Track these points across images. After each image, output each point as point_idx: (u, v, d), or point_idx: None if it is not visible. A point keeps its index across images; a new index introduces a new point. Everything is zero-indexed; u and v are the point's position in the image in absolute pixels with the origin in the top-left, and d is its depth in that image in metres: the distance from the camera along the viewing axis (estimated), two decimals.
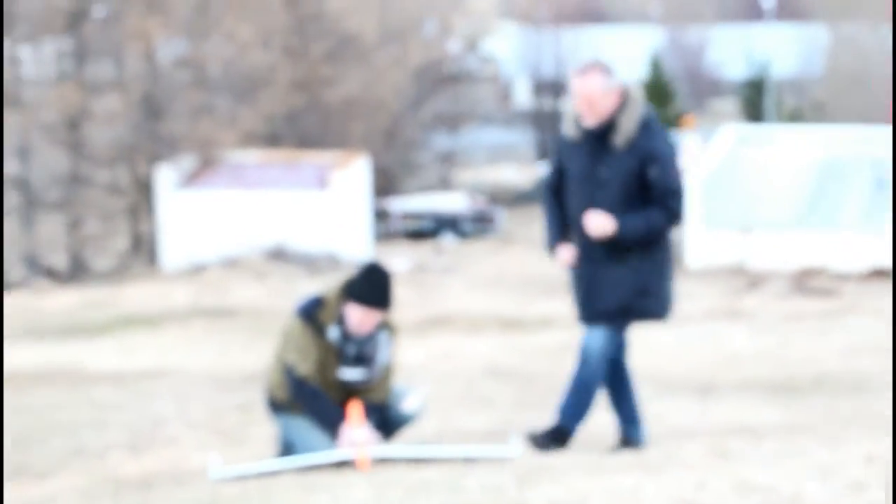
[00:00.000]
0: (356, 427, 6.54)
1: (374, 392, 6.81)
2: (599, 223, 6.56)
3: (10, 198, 29.13)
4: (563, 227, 6.81)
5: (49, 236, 29.61)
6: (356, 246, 29.01)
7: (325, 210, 28.97)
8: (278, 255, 27.69)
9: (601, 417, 8.79)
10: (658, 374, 11.06)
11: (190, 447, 8.20)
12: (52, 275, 28.26)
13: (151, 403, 10.23)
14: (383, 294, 6.66)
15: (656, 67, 53.96)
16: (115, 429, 8.94)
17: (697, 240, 27.13)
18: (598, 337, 6.79)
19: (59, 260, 29.53)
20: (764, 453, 6.19)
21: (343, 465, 6.47)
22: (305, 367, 6.61)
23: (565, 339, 15.31)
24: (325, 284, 6.95)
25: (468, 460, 6.55)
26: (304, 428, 6.72)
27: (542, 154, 47.71)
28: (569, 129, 6.73)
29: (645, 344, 14.41)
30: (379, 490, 5.56)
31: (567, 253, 6.74)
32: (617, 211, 6.57)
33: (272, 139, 35.77)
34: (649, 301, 6.71)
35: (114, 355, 13.88)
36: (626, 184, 6.60)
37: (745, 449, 6.43)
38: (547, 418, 8.90)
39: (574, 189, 6.70)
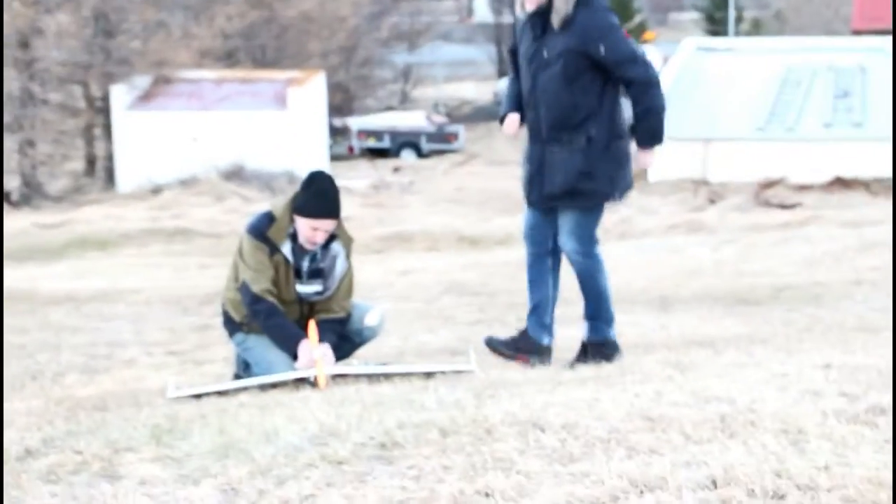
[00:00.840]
0: (314, 345, 6.49)
1: (333, 305, 6.75)
2: (649, 160, 6.71)
3: None
4: (516, 101, 6.73)
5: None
6: (314, 164, 28.85)
7: (283, 129, 28.76)
8: (235, 175, 27.51)
9: (558, 332, 8.80)
10: (617, 289, 10.95)
11: (147, 368, 8.14)
12: (5, 198, 27.96)
13: (107, 325, 10.15)
14: (329, 203, 6.58)
15: None
16: (71, 351, 8.86)
17: (638, 154, 27.15)
18: (564, 241, 6.77)
19: (13, 183, 29.23)
20: (722, 364, 6.19)
21: (301, 382, 6.43)
22: (261, 284, 6.54)
23: (525, 255, 15.34)
24: (274, 201, 6.86)
25: (426, 376, 6.52)
26: (260, 346, 6.68)
27: (503, 69, 47.41)
28: (518, 11, 6.67)
29: (605, 261, 14.46)
30: (336, 407, 5.52)
31: (510, 122, 6.68)
32: (560, 92, 6.52)
33: (228, 57, 35.40)
34: (593, 183, 6.62)
35: (69, 278, 13.75)
36: (567, 64, 6.50)
37: (702, 361, 6.44)
38: (505, 332, 8.90)
39: (523, 71, 6.66)
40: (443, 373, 6.59)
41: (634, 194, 24.97)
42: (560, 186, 6.62)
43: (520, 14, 6.70)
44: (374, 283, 12.56)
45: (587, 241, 6.84)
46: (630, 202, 23.76)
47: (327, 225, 6.59)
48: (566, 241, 6.79)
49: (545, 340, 7.06)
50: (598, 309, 6.99)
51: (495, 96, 41.19)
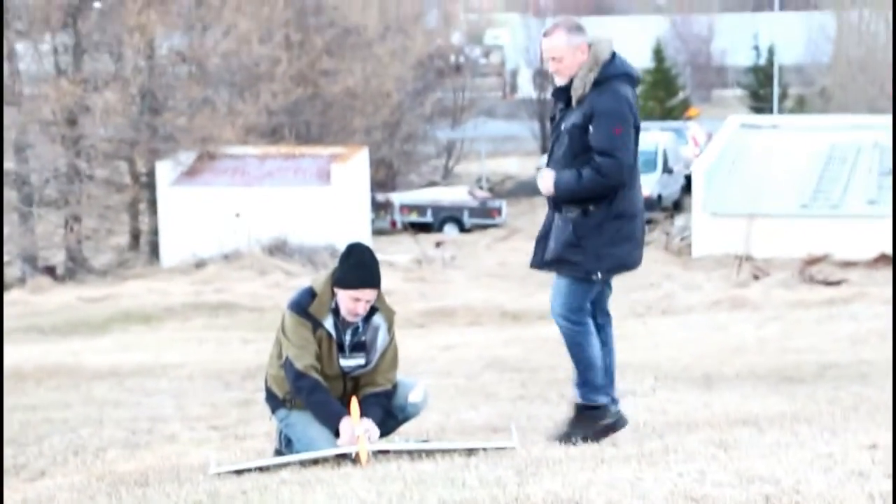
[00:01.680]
0: (356, 421, 6.47)
1: (378, 378, 6.74)
2: (543, 179, 6.75)
3: (9, 195, 29.07)
4: None
5: (47, 233, 29.56)
6: (357, 238, 28.96)
7: (326, 204, 28.91)
8: (278, 250, 27.62)
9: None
10: (661, 365, 11.00)
11: (188, 444, 8.14)
12: (50, 272, 28.19)
13: (150, 400, 10.17)
14: (368, 273, 6.55)
15: (660, 57, 53.94)
16: (114, 426, 8.88)
17: (702, 228, 27.05)
18: (552, 304, 6.85)
19: (58, 257, 29.48)
20: (766, 444, 6.12)
21: (342, 459, 6.40)
22: (305, 360, 6.53)
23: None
24: (315, 277, 6.88)
25: (468, 453, 6.48)
26: (302, 423, 6.65)
27: (546, 145, 47.55)
28: (552, 84, 6.89)
29: (648, 334, 14.40)
30: (378, 484, 5.51)
31: (544, 177, 6.81)
32: (566, 165, 6.67)
33: (273, 133, 35.71)
34: (580, 256, 6.69)
35: (112, 352, 13.81)
36: (573, 139, 6.65)
37: (747, 439, 6.37)
38: (547, 410, 8.87)
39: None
40: (484, 450, 6.55)
41: (677, 270, 24.97)
42: (552, 253, 6.78)
43: (554, 87, 6.88)
44: (417, 357, 12.55)
45: (574, 310, 6.84)
46: (675, 277, 23.69)
47: (368, 295, 6.57)
48: (555, 305, 6.86)
49: (601, 400, 7.01)
50: (585, 377, 6.98)
51: (538, 171, 41.28)
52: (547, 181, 6.72)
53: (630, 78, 6.76)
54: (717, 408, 8.50)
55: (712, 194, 27.04)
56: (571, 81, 6.63)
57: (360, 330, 6.67)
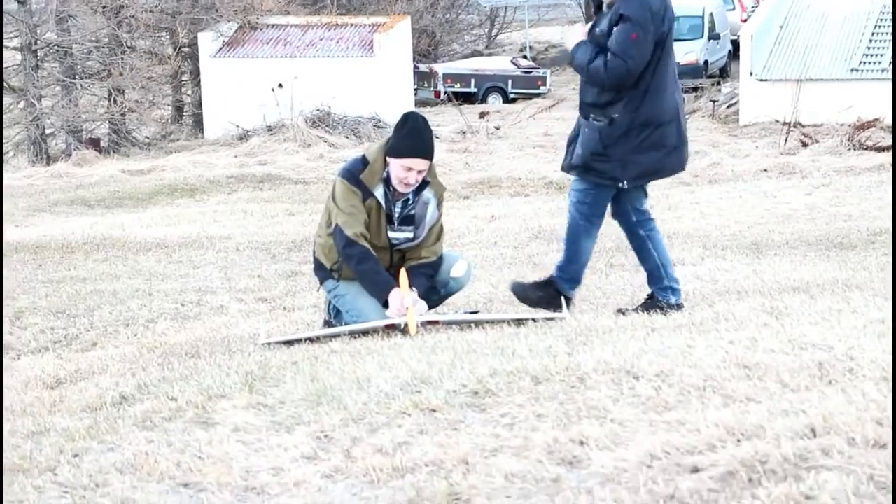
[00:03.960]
0: (405, 292, 6.46)
1: (423, 252, 6.72)
2: (573, 32, 6.94)
3: (51, 67, 29.04)
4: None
5: (91, 105, 29.55)
6: (400, 109, 28.78)
7: (369, 75, 28.70)
8: (322, 121, 27.50)
9: (642, 277, 8.71)
10: (710, 234, 10.92)
11: (237, 315, 8.18)
12: (94, 144, 28.23)
13: (197, 272, 10.20)
14: (423, 142, 6.53)
15: None
16: (162, 298, 8.92)
17: (749, 94, 26.69)
18: (572, 190, 6.98)
19: (102, 129, 29.51)
20: (818, 310, 6.07)
21: (392, 329, 6.41)
22: (355, 228, 6.50)
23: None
24: (368, 146, 6.83)
25: (517, 324, 6.48)
26: (352, 293, 6.65)
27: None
28: None
29: (695, 203, 14.29)
30: (428, 354, 5.51)
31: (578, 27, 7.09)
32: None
33: (314, 2, 35.36)
34: (607, 164, 6.78)
35: (158, 225, 13.84)
36: (598, 45, 6.73)
37: (798, 306, 6.32)
38: (595, 280, 8.84)
39: None
40: (534, 320, 6.54)
41: (724, 138, 24.72)
42: (578, 159, 6.84)
43: None
44: (462, 229, 12.51)
45: (589, 204, 6.95)
46: (721, 145, 23.46)
47: (421, 165, 6.53)
48: (571, 195, 7.00)
49: (570, 293, 7.12)
50: (567, 267, 7.08)
51: (570, 26, 40.75)
52: (572, 37, 6.84)
53: None
54: (767, 275, 8.43)
55: (760, 59, 26.63)
56: None
57: (411, 202, 6.63)
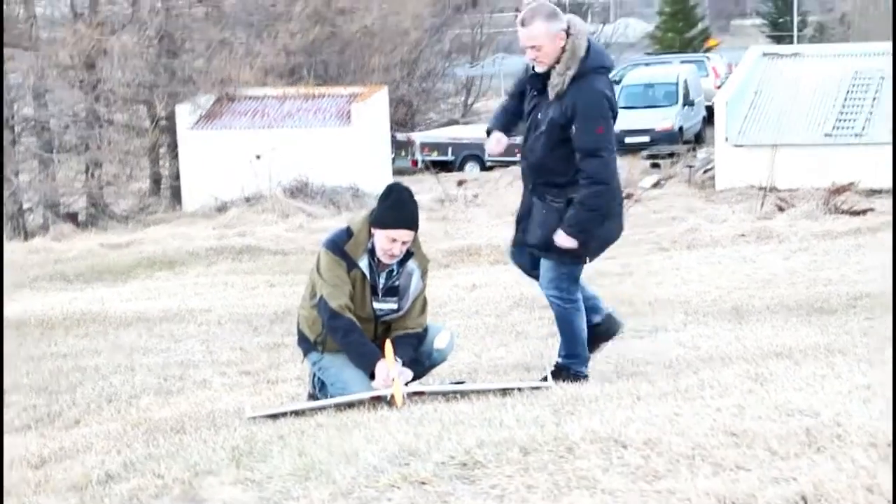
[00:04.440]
0: (391, 363, 6.44)
1: (408, 323, 6.71)
2: (564, 242, 6.75)
3: (29, 142, 29.06)
4: (510, 123, 6.96)
5: (68, 180, 29.54)
6: (378, 179, 28.87)
7: (347, 144, 28.80)
8: (300, 191, 27.55)
9: (631, 344, 8.73)
10: (690, 300, 10.95)
11: (221, 389, 8.15)
12: (72, 219, 28.21)
13: (179, 346, 10.17)
14: (407, 213, 6.53)
15: None
16: (145, 373, 8.89)
17: (724, 160, 26.86)
18: (545, 282, 7.01)
19: (79, 203, 29.48)
20: (802, 376, 6.08)
21: (378, 401, 6.39)
22: (339, 300, 6.49)
23: (599, 265, 15.20)
24: (352, 217, 6.84)
25: (503, 393, 6.47)
26: (336, 365, 6.63)
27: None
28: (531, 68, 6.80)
29: (675, 269, 14.32)
30: (415, 426, 5.50)
31: (496, 142, 6.90)
32: (544, 156, 6.72)
33: (291, 74, 35.54)
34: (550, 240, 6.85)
35: (139, 299, 13.79)
36: (552, 133, 6.69)
37: (782, 372, 6.33)
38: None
39: (524, 124, 6.88)
40: (519, 389, 6.54)
41: (700, 203, 24.83)
42: (538, 239, 6.88)
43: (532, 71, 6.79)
44: (444, 298, 12.50)
45: (566, 289, 7.01)
46: (698, 210, 23.55)
47: (405, 236, 6.53)
48: (546, 286, 7.02)
49: (585, 371, 7.23)
50: (572, 350, 7.15)
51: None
52: (568, 241, 6.74)
53: (606, 69, 6.80)
54: (750, 341, 8.46)
55: (735, 125, 26.82)
56: (549, 70, 6.61)
57: (395, 273, 6.63)
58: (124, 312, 12.10)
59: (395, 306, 6.67)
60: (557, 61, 6.60)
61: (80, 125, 29.74)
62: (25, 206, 28.64)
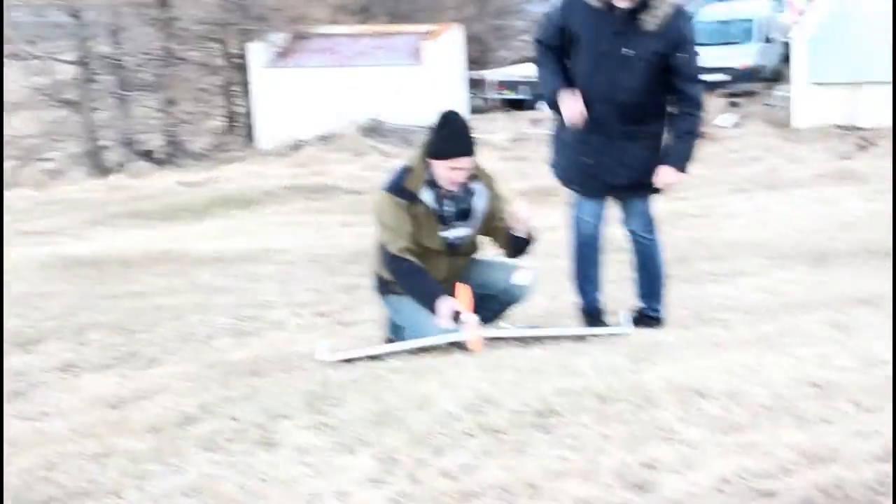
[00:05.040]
0: (464, 307, 6.38)
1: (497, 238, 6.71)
2: (672, 178, 6.70)
3: (105, 79, 29.23)
4: (566, 78, 6.72)
5: (145, 117, 29.69)
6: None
7: (420, 83, 28.68)
8: (374, 130, 27.51)
9: (709, 289, 8.62)
10: (770, 244, 10.77)
11: (296, 330, 8.15)
12: (148, 156, 28.40)
13: (255, 286, 10.18)
14: (462, 140, 6.42)
15: None
16: (221, 313, 8.90)
17: (805, 98, 26.44)
18: (642, 223, 6.96)
19: (155, 141, 29.64)
20: (886, 324, 5.95)
21: (453, 345, 6.34)
22: (399, 243, 6.42)
23: (675, 206, 15.00)
24: (409, 155, 6.75)
25: (579, 339, 6.40)
26: (412, 308, 6.57)
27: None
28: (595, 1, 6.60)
29: (755, 211, 14.13)
30: (490, 373, 5.44)
31: (577, 103, 6.62)
32: (642, 91, 6.59)
33: (364, 12, 35.40)
34: (651, 177, 6.78)
35: (215, 238, 13.85)
36: (652, 66, 6.58)
37: (865, 320, 6.20)
38: (667, 293, 8.73)
39: (589, 61, 6.62)
40: (595, 335, 6.46)
41: (779, 142, 24.46)
42: (632, 179, 6.76)
43: (593, 2, 6.57)
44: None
45: (653, 226, 7.03)
46: (777, 150, 23.23)
47: (465, 163, 6.44)
48: (637, 225, 7.00)
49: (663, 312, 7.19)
50: (652, 287, 7.15)
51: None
52: (677, 176, 6.70)
53: None
54: (832, 286, 8.31)
55: (814, 62, 26.38)
56: (640, 5, 6.47)
57: (461, 198, 6.55)
58: (201, 251, 12.16)
59: (467, 230, 6.60)
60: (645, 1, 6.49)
61: (155, 63, 29.85)
62: (102, 143, 28.84)
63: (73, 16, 29.01)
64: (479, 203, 6.62)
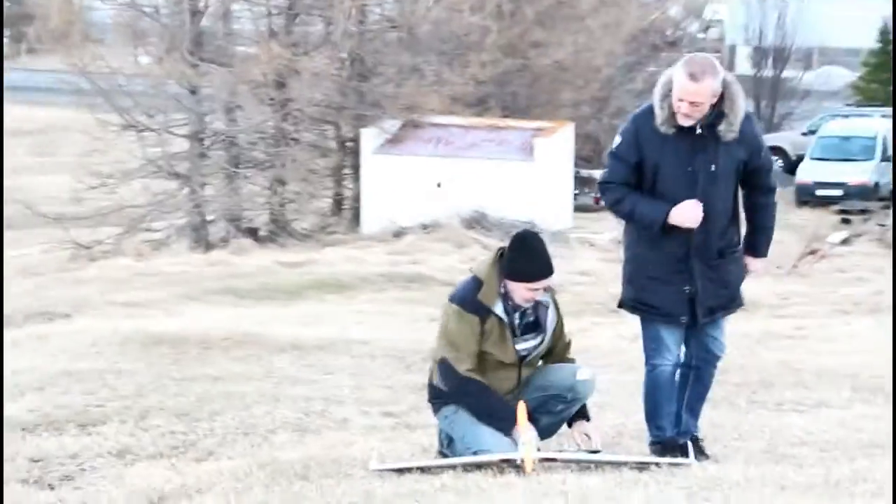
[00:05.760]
0: (523, 425, 6.22)
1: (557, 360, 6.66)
2: (760, 267, 6.89)
3: (217, 155, 29.59)
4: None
5: (252, 195, 29.97)
6: (558, 215, 28.59)
7: (528, 179, 28.58)
8: (477, 223, 27.45)
9: (790, 420, 8.28)
10: (860, 373, 10.35)
11: (358, 431, 7.98)
12: (252, 234, 28.61)
13: (328, 379, 10.05)
14: (544, 263, 6.44)
15: (886, 38, 51.83)
16: (288, 405, 8.76)
17: None
18: (720, 336, 6.85)
19: (261, 219, 29.88)
20: None
21: (507, 464, 6.15)
22: (466, 363, 6.35)
23: (770, 325, 14.61)
24: (476, 266, 6.66)
25: (640, 467, 6.16)
26: (467, 422, 6.42)
27: (762, 120, 46.16)
28: (661, 125, 6.46)
29: (851, 338, 13.67)
30: (535, 499, 5.23)
31: (695, 205, 6.45)
32: (728, 204, 6.60)
33: (479, 104, 35.51)
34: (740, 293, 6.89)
35: (300, 323, 13.79)
36: (735, 175, 6.60)
37: None
38: (734, 418, 8.43)
39: (675, 188, 6.49)
40: (657, 465, 6.22)
41: (890, 263, 23.80)
42: (725, 298, 6.73)
43: (657, 127, 6.45)
44: (604, 348, 12.16)
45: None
46: (886, 272, 22.60)
47: (545, 285, 6.47)
48: (723, 346, 6.92)
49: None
50: (699, 408, 7.03)
51: None
52: (767, 266, 6.97)
53: None
54: None
55: None
56: (711, 120, 6.41)
57: (528, 311, 6.46)
58: (282, 337, 12.07)
59: (537, 341, 6.56)
60: (718, 110, 6.43)
61: (267, 142, 30.18)
62: (209, 217, 29.13)
63: (191, 91, 29.50)
64: (549, 316, 6.59)
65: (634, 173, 6.56)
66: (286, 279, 19.97)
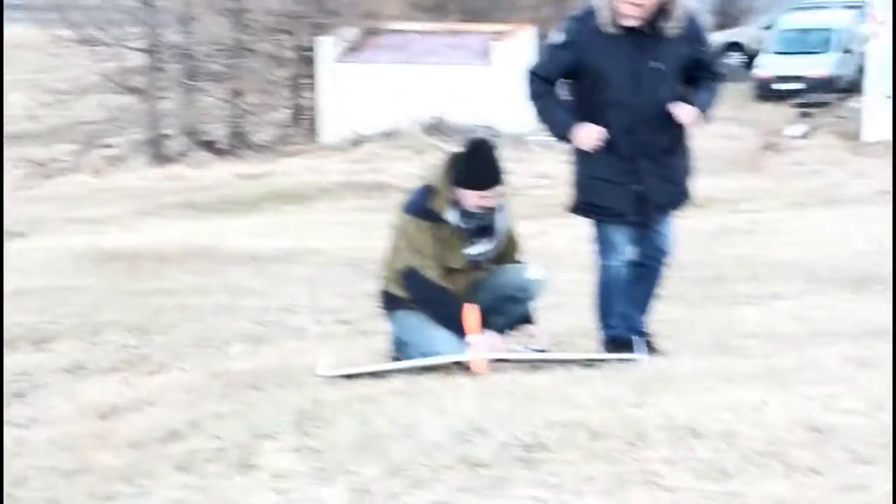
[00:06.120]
0: (475, 327, 6.27)
1: (506, 262, 6.66)
2: (687, 113, 6.47)
3: (173, 68, 29.30)
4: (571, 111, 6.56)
5: (210, 108, 29.74)
6: (517, 121, 28.50)
7: (487, 83, 28.44)
8: (437, 129, 27.36)
9: (742, 313, 8.38)
10: (813, 265, 10.46)
11: (314, 339, 8.02)
12: (211, 147, 28.42)
13: (284, 289, 10.07)
14: (494, 171, 6.45)
15: None
16: (244, 316, 8.79)
17: (876, 110, 25.95)
18: (667, 238, 6.76)
19: (219, 132, 29.68)
20: None
21: (458, 366, 6.20)
22: (434, 268, 6.39)
23: (724, 220, 14.70)
24: (427, 174, 6.66)
25: (589, 364, 6.22)
26: (419, 326, 6.47)
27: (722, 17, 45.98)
28: (604, 25, 6.37)
29: (806, 230, 13.77)
30: (486, 399, 5.28)
31: (596, 131, 6.38)
32: (672, 99, 6.47)
33: (438, 9, 35.22)
34: (690, 184, 6.78)
35: (257, 234, 13.79)
36: (679, 70, 6.51)
37: (889, 356, 5.93)
38: (687, 313, 8.51)
39: (619, 86, 6.42)
40: (607, 361, 6.28)
41: (846, 156, 23.99)
42: (677, 195, 6.69)
43: (601, 28, 6.35)
44: (562, 249, 12.23)
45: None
46: (842, 164, 22.78)
47: (496, 192, 6.45)
48: (670, 245, 6.82)
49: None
50: (648, 305, 6.95)
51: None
52: (690, 114, 6.49)
53: None
54: (864, 316, 8.01)
55: (888, 74, 25.86)
56: (653, 17, 6.31)
57: (480, 216, 6.47)
58: (239, 249, 12.09)
59: (489, 246, 6.56)
60: (660, 6, 6.34)
61: (224, 53, 29.88)
62: (166, 131, 28.90)
63: (146, 3, 29.13)
64: (502, 221, 6.59)
65: (563, 71, 6.52)
66: (244, 191, 19.93)
